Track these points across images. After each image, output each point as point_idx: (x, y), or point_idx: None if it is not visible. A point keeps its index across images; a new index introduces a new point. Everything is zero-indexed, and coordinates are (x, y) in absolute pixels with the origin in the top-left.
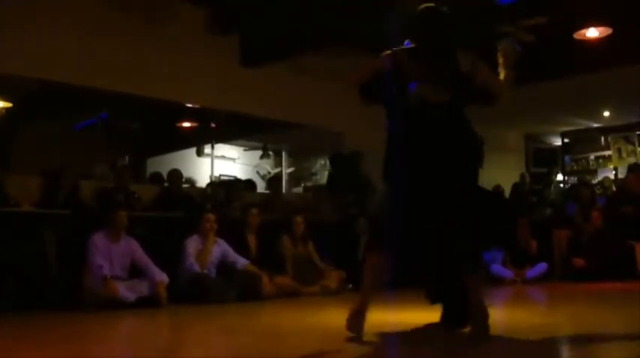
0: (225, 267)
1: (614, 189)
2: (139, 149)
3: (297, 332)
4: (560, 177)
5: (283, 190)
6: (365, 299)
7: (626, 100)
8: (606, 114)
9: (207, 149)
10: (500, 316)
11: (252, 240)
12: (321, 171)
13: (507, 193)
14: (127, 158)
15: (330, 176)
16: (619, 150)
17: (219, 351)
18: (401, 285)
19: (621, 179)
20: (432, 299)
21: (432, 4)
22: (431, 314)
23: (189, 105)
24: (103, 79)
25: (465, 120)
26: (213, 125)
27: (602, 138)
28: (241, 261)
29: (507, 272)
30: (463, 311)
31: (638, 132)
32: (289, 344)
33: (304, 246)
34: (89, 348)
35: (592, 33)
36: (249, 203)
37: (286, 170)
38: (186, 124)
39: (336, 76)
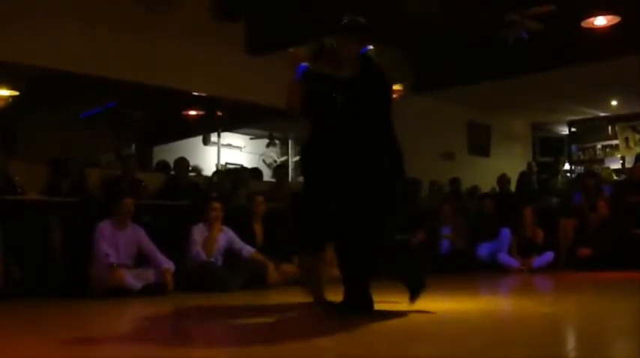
0: (231, 255)
1: (613, 178)
2: (146, 137)
3: (300, 320)
4: (567, 166)
5: (289, 178)
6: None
7: (633, 89)
8: (614, 103)
9: (213, 137)
10: (507, 305)
11: (258, 229)
12: None
13: (514, 182)
14: (133, 146)
15: None
16: (626, 140)
17: (224, 339)
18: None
19: (628, 168)
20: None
21: None
22: (433, 305)
23: (196, 93)
24: (109, 67)
25: None
26: (219, 113)
27: (610, 128)
28: (247, 249)
29: (514, 262)
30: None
31: None
32: (293, 332)
33: None
34: (92, 336)
35: (600, 21)
36: (255, 191)
37: (292, 158)
38: (193, 113)
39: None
